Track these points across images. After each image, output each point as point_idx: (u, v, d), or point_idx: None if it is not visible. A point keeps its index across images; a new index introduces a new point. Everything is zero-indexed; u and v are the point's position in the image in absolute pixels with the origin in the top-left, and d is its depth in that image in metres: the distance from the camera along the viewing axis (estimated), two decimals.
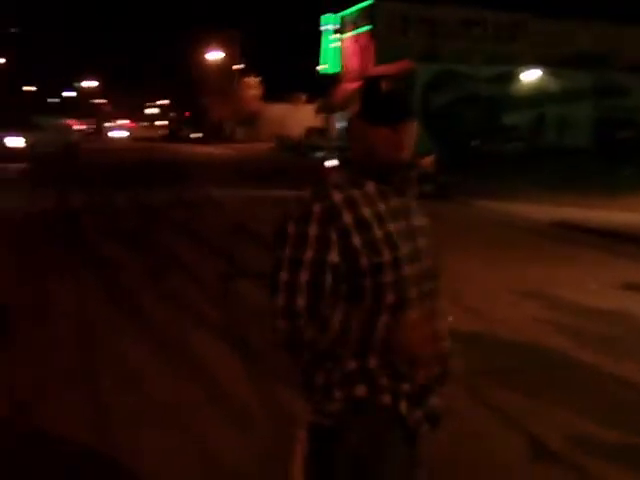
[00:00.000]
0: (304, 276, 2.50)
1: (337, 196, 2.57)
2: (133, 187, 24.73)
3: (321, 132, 48.97)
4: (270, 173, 30.80)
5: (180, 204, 20.48)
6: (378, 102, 2.64)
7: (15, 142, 37.70)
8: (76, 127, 49.30)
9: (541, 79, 47.16)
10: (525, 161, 35.48)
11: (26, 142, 37.76)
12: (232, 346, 7.59)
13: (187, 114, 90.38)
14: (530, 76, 47.11)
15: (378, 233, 2.56)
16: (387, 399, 2.60)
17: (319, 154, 39.83)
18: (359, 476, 2.60)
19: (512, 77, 47.08)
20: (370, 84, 2.69)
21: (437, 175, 21.23)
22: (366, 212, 2.57)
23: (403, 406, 2.63)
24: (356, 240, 2.52)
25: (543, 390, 6.47)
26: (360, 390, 2.59)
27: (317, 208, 2.54)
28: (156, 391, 6.38)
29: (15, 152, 36.51)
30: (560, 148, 43.57)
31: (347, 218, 2.53)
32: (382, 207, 2.63)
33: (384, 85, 2.65)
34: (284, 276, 2.52)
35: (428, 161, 22.92)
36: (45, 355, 7.40)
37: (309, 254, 2.51)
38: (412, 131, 2.66)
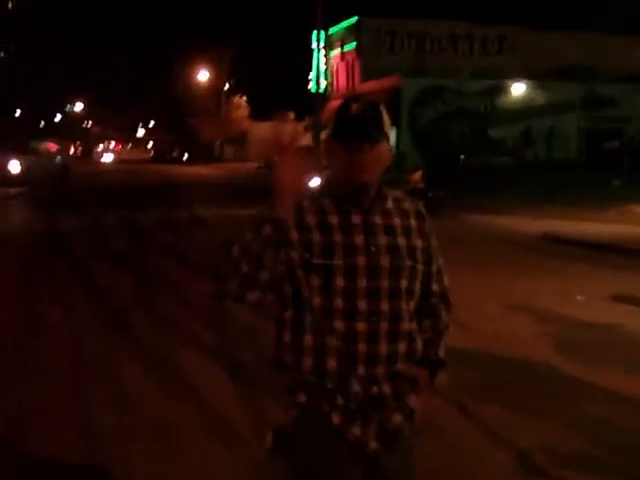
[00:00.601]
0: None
1: None
2: (122, 208, 24.73)
3: (309, 150, 48.99)
4: (257, 192, 30.82)
5: (168, 224, 20.51)
6: (343, 123, 2.72)
7: (14, 167, 38.20)
8: (53, 149, 49.50)
9: (528, 92, 47.36)
10: (513, 175, 35.59)
11: (21, 166, 38.21)
12: (223, 367, 7.60)
13: (172, 135, 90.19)
14: (517, 89, 47.32)
15: (316, 237, 2.69)
16: (325, 408, 2.72)
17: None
18: None
19: (499, 91, 47.29)
20: (342, 105, 2.77)
21: (426, 190, 21.31)
22: (310, 219, 2.72)
23: (336, 418, 2.71)
24: (293, 236, 2.65)
25: (530, 404, 6.50)
26: (301, 397, 2.74)
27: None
28: (148, 412, 6.39)
29: (13, 176, 37.04)
30: (548, 161, 43.75)
31: (290, 219, 2.63)
32: (334, 220, 2.73)
33: (353, 107, 2.71)
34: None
35: (417, 176, 23.02)
36: (36, 376, 7.39)
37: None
38: (377, 154, 2.71)
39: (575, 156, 45.71)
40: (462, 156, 41.02)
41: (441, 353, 2.98)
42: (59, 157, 46.43)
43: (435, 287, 2.96)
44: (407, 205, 2.90)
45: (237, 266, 2.59)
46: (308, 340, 2.71)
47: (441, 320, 2.99)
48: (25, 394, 6.86)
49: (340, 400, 2.70)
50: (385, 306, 2.71)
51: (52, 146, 49.34)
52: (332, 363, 2.69)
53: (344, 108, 2.74)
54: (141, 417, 6.27)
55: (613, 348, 8.28)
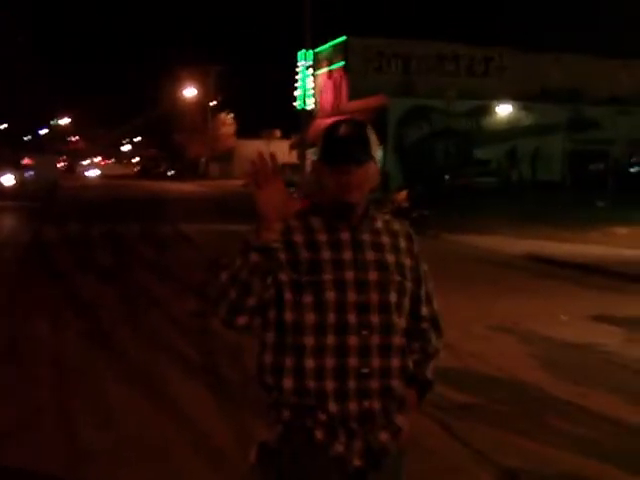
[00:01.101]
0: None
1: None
2: (107, 223, 24.72)
3: (294, 168, 49.16)
4: (242, 209, 30.82)
5: (153, 240, 20.50)
6: (330, 145, 2.77)
7: (7, 180, 38.42)
8: (28, 164, 49.63)
9: (514, 113, 47.58)
10: (498, 195, 35.74)
11: (16, 180, 38.42)
12: (206, 383, 7.59)
13: (158, 151, 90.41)
14: (503, 110, 47.54)
15: (304, 255, 2.72)
16: (308, 424, 2.73)
17: (292, 190, 39.89)
18: None
19: (485, 112, 47.47)
20: (330, 127, 2.81)
21: (410, 210, 21.36)
22: (298, 238, 2.75)
23: (319, 434, 2.72)
24: (282, 256, 2.68)
25: (515, 424, 6.51)
26: (285, 413, 2.75)
27: None
28: (132, 427, 6.37)
29: (6, 189, 37.32)
30: (533, 182, 43.95)
31: (278, 243, 2.65)
32: (323, 238, 2.76)
33: (340, 129, 2.76)
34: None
35: (401, 196, 23.09)
36: (20, 392, 7.36)
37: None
38: (364, 174, 2.75)
39: (560, 177, 45.94)
40: (447, 176, 41.11)
41: (429, 374, 3.00)
42: (32, 172, 46.51)
43: (425, 311, 2.99)
44: (397, 226, 2.94)
45: (226, 292, 2.63)
46: (289, 362, 2.72)
47: (431, 344, 3.01)
48: (9, 408, 6.83)
49: (323, 416, 2.70)
50: (375, 319, 2.74)
51: (26, 161, 49.38)
52: (311, 383, 2.70)
53: (331, 130, 2.79)
54: (125, 433, 6.25)
55: (596, 368, 8.33)
